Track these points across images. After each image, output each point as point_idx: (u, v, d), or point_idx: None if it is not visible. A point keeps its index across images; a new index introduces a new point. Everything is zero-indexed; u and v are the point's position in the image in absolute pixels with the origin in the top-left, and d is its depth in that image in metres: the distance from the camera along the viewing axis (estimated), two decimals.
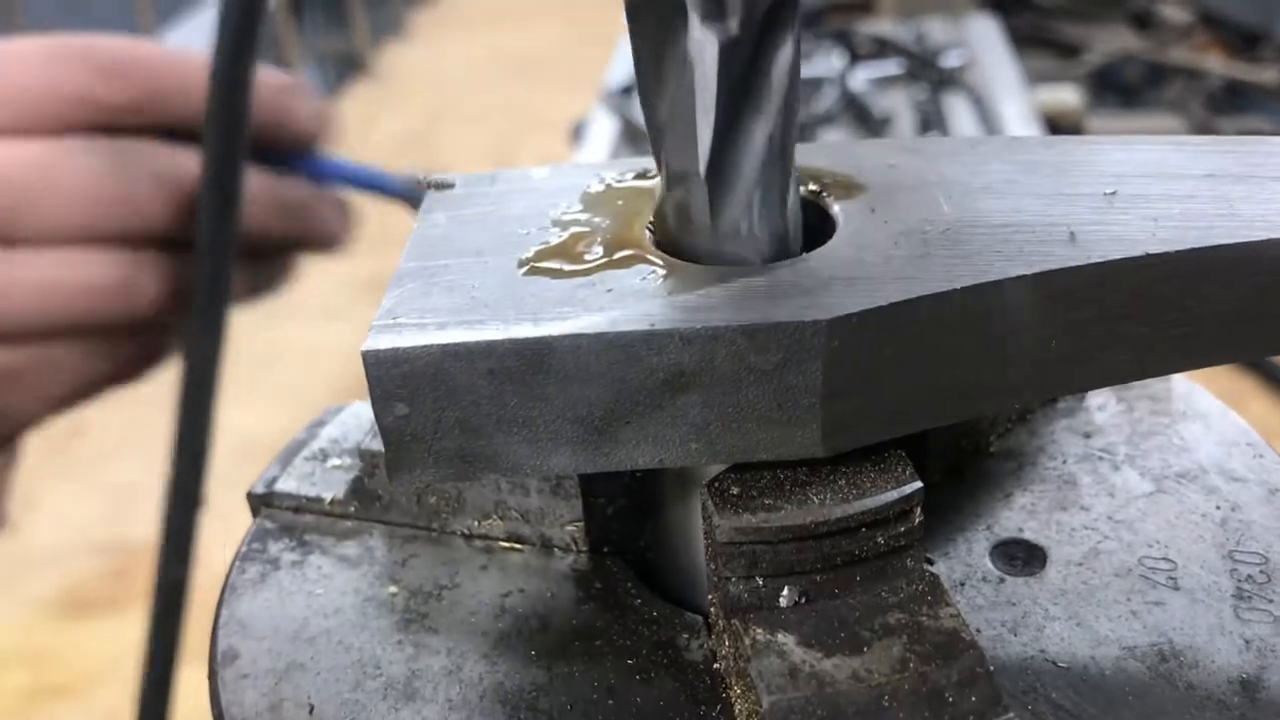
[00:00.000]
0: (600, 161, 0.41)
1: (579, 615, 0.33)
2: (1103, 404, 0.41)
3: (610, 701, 0.30)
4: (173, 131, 0.56)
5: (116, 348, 0.56)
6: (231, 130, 0.48)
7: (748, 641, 0.28)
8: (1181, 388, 0.41)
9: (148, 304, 0.55)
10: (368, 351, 0.29)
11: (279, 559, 0.37)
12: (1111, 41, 2.53)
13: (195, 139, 0.55)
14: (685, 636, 0.32)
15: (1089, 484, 0.37)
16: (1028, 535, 0.35)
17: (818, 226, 0.34)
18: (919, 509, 0.30)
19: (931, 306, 0.29)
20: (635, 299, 0.30)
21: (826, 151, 0.37)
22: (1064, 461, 0.38)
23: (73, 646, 2.05)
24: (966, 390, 0.31)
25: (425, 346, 0.29)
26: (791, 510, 0.29)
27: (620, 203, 0.35)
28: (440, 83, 4.59)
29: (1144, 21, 2.65)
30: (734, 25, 0.29)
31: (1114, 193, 0.33)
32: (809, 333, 0.28)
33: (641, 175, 0.37)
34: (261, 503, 0.39)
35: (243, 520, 0.39)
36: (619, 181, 0.37)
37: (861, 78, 1.57)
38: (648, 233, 0.34)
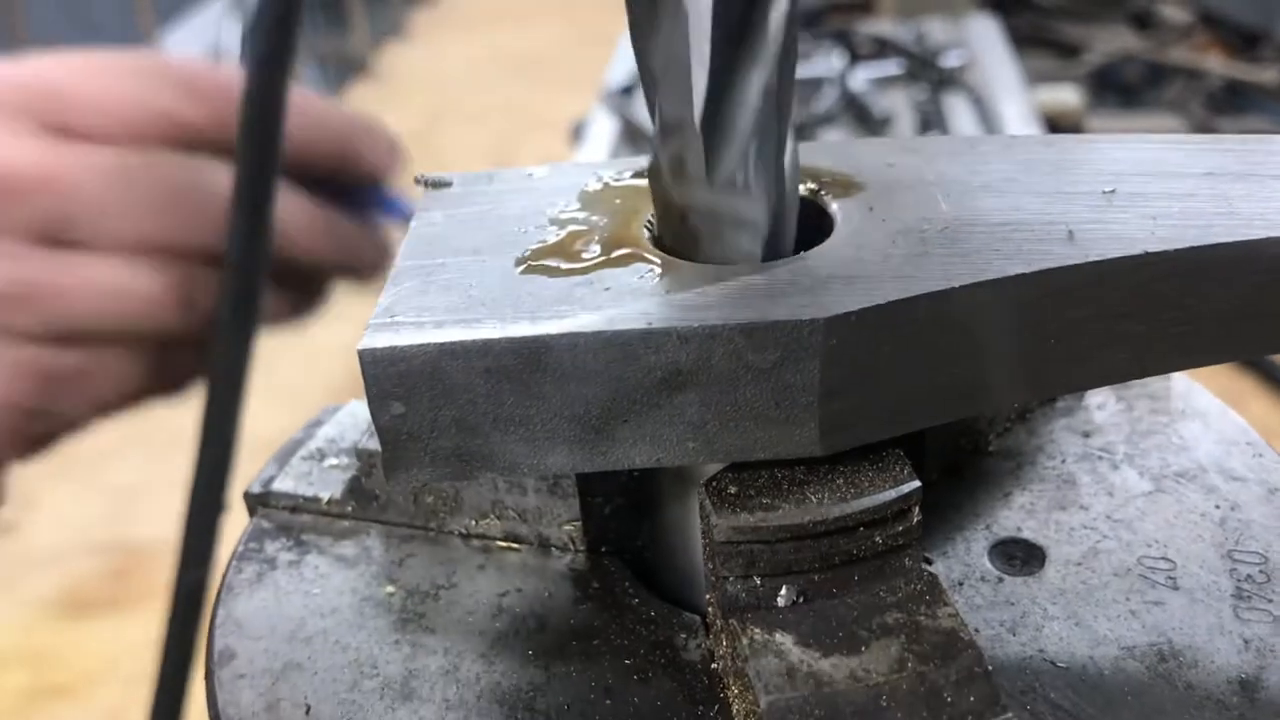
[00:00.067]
0: (598, 161, 0.40)
1: (576, 615, 0.33)
2: (1102, 403, 0.41)
3: (608, 701, 0.30)
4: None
5: (164, 359, 0.58)
6: (265, 139, 0.48)
7: (745, 641, 0.28)
8: (1181, 386, 0.41)
9: (200, 318, 0.56)
10: (364, 350, 0.29)
11: (276, 559, 0.36)
12: (1111, 41, 2.53)
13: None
14: (683, 636, 0.32)
15: (1088, 483, 0.37)
16: (1026, 535, 0.35)
17: (816, 225, 0.34)
18: (917, 508, 0.30)
19: (929, 305, 0.29)
20: (633, 297, 0.30)
21: (825, 151, 0.37)
22: (1063, 460, 0.38)
23: (73, 646, 2.04)
24: (965, 389, 0.31)
25: (422, 345, 0.29)
26: (789, 509, 0.29)
27: (618, 201, 0.35)
28: (440, 83, 4.59)
29: (1144, 21, 2.65)
30: None
31: (1113, 191, 0.33)
32: (806, 331, 0.28)
33: (639, 174, 0.37)
34: (258, 502, 0.39)
35: (240, 520, 0.39)
36: (617, 180, 0.37)
37: (861, 78, 1.57)
38: (645, 231, 0.34)
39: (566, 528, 0.35)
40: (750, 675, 0.27)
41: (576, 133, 1.69)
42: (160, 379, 0.58)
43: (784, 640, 0.28)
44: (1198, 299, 0.31)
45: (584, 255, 0.32)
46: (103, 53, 0.57)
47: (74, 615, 2.13)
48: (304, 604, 0.34)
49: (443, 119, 4.15)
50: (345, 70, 4.78)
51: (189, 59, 0.60)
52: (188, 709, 0.57)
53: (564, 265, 0.32)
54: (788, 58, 0.30)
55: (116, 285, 0.54)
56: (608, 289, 0.31)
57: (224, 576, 0.36)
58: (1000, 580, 0.33)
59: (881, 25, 1.94)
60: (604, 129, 1.59)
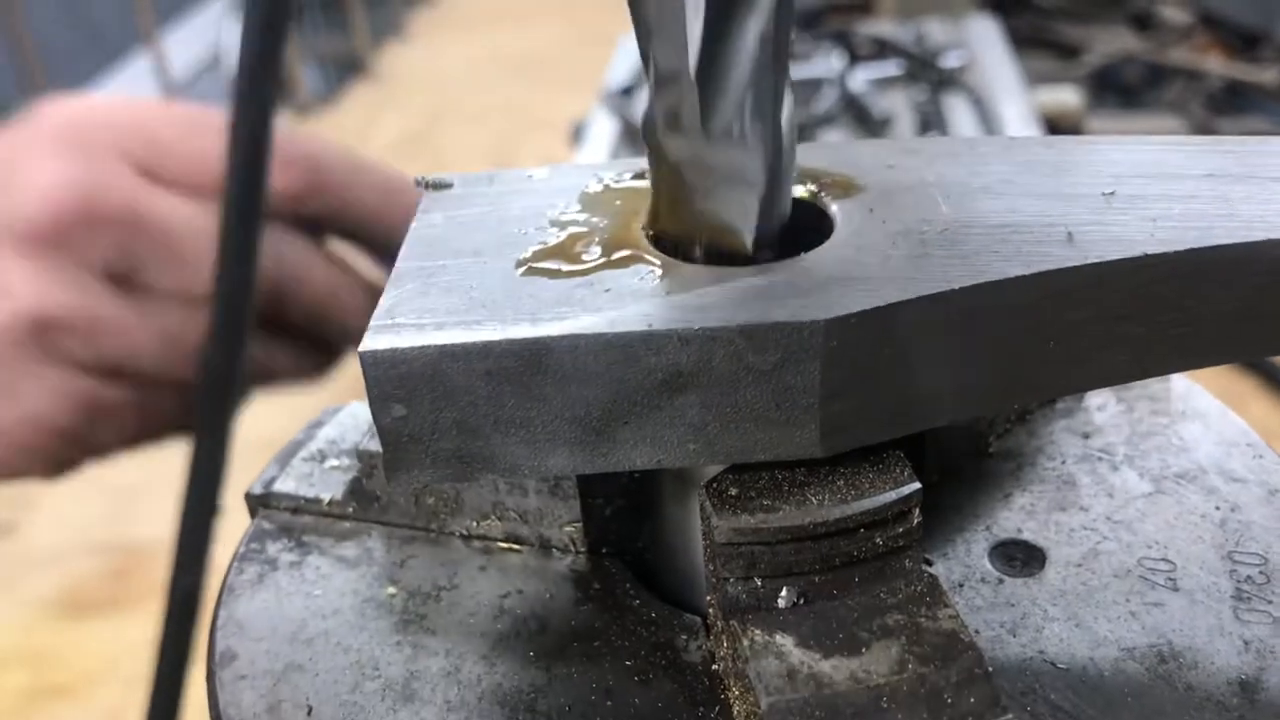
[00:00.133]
0: (599, 162, 0.40)
1: (577, 616, 0.33)
2: (1102, 404, 0.41)
3: (609, 703, 0.30)
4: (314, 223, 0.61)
5: (190, 403, 0.59)
6: (251, 177, 0.49)
7: (746, 642, 0.28)
8: (1181, 388, 0.41)
9: (245, 374, 0.58)
10: (365, 352, 0.29)
11: (277, 560, 0.37)
12: (1111, 42, 2.53)
13: (332, 231, 0.61)
14: (684, 637, 0.32)
15: (1088, 484, 0.37)
16: (1026, 536, 0.35)
17: (816, 227, 0.34)
18: (917, 510, 0.30)
19: (929, 307, 0.29)
20: (633, 299, 0.30)
21: (825, 152, 0.37)
22: (1063, 462, 0.38)
23: (73, 646, 2.04)
24: (966, 391, 0.31)
25: (423, 347, 0.29)
26: (790, 511, 0.29)
27: (618, 203, 0.35)
28: (440, 83, 4.59)
29: (1144, 22, 2.65)
30: None
31: (1112, 193, 0.33)
32: (807, 333, 0.28)
33: (640, 175, 0.37)
34: (259, 503, 0.39)
35: (241, 520, 0.39)
36: (617, 182, 0.37)
37: (861, 78, 1.57)
38: (646, 233, 0.34)
39: (567, 529, 0.35)
40: (751, 676, 0.27)
41: (576, 133, 1.69)
42: (186, 420, 0.60)
43: (785, 642, 0.28)
44: (1198, 301, 0.31)
45: (584, 257, 0.32)
46: (196, 108, 0.60)
47: (74, 615, 2.13)
48: (305, 605, 0.34)
49: (442, 119, 4.15)
50: (345, 71, 4.77)
51: (301, 134, 0.63)
52: (184, 712, 0.57)
53: (564, 267, 0.32)
54: (785, 6, 0.29)
55: (173, 332, 0.56)
56: (608, 291, 0.31)
57: (225, 577, 0.36)
58: (1000, 582, 0.33)
59: (881, 26, 1.94)
60: (604, 130, 1.59)
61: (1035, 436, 0.39)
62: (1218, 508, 0.36)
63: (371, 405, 0.30)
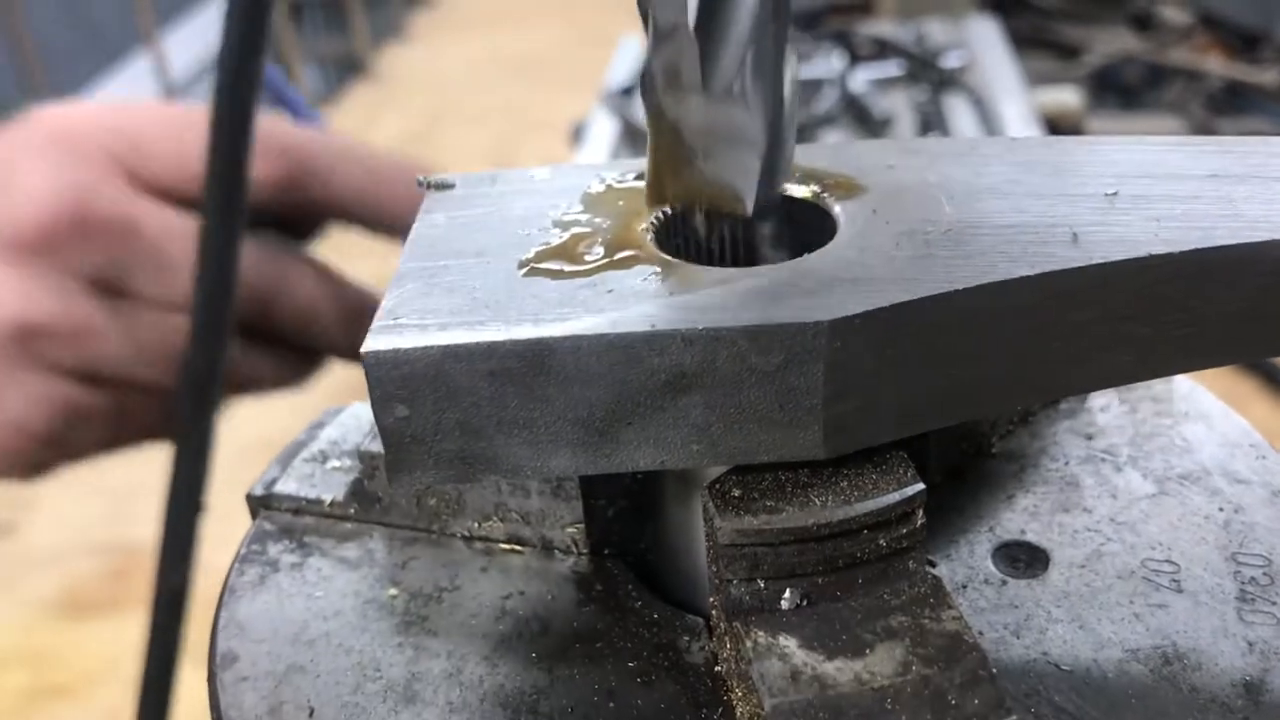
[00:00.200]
0: (601, 162, 0.40)
1: (580, 618, 0.33)
2: (1105, 405, 0.40)
3: (611, 704, 0.30)
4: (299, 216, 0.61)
5: (169, 408, 0.60)
6: (232, 170, 0.49)
7: (749, 644, 0.28)
8: (1184, 388, 0.41)
9: (227, 382, 0.58)
10: (368, 352, 0.29)
11: (278, 561, 0.36)
12: (1111, 43, 2.53)
13: (321, 216, 0.61)
14: (686, 639, 0.32)
15: (1091, 485, 0.37)
16: (1030, 537, 0.35)
17: (819, 227, 0.34)
18: (921, 511, 0.30)
19: (933, 308, 0.29)
20: (636, 300, 0.30)
21: (827, 152, 0.37)
22: (1066, 463, 0.38)
23: (73, 647, 2.04)
24: (969, 392, 0.31)
25: (426, 347, 0.29)
26: (793, 512, 0.29)
27: (621, 203, 0.35)
28: (440, 84, 4.59)
29: (1144, 23, 2.65)
30: None
31: (1116, 193, 0.33)
32: (810, 334, 0.28)
33: (642, 176, 0.37)
34: (261, 504, 0.39)
35: (242, 522, 0.39)
36: (620, 182, 0.37)
37: (861, 79, 1.57)
38: (649, 233, 0.34)
39: (569, 530, 0.35)
40: (754, 678, 0.27)
41: (577, 134, 1.69)
42: (163, 425, 0.60)
43: (788, 643, 0.28)
44: (1201, 301, 0.31)
45: (587, 257, 0.32)
46: (188, 108, 0.60)
47: (74, 615, 2.13)
48: (307, 606, 0.34)
49: (442, 120, 4.15)
50: (345, 72, 4.77)
51: (282, 125, 0.62)
52: (174, 711, 0.57)
53: (567, 267, 0.32)
54: None
55: (156, 339, 0.56)
56: (611, 291, 0.30)
57: (226, 579, 0.36)
58: (1004, 583, 0.33)
59: (881, 26, 1.94)
60: (604, 130, 1.59)
61: (1038, 437, 0.39)
62: (1221, 509, 0.35)
63: (374, 406, 0.30)
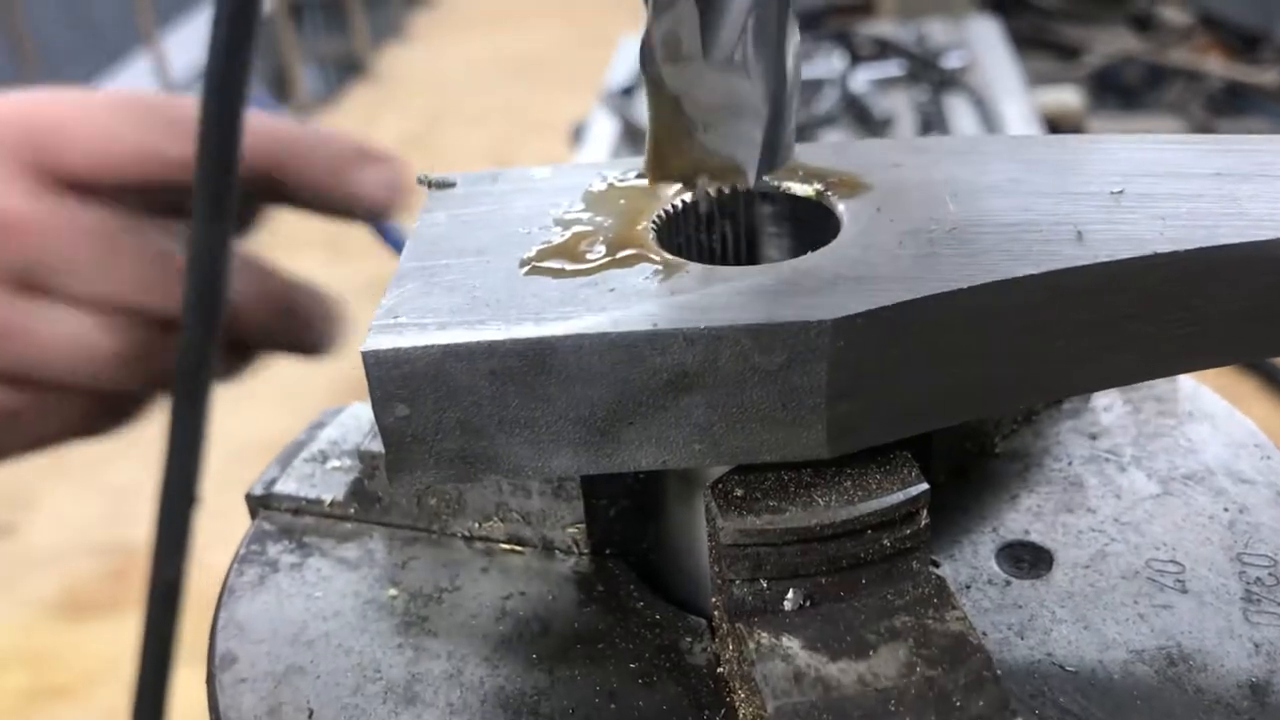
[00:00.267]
0: (602, 161, 0.40)
1: (581, 618, 0.33)
2: (1109, 405, 0.40)
3: (612, 705, 0.30)
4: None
5: (103, 406, 0.59)
6: (222, 164, 0.48)
7: (752, 645, 0.28)
8: (1188, 388, 0.41)
9: (143, 378, 0.57)
10: (368, 352, 0.29)
11: (278, 561, 0.36)
12: (1112, 43, 2.53)
13: (272, 202, 0.59)
14: (688, 640, 0.32)
15: (1095, 485, 0.37)
16: (1034, 537, 0.35)
17: (823, 225, 0.34)
18: (925, 511, 0.29)
19: (937, 306, 0.29)
20: (638, 299, 0.30)
21: (831, 151, 0.37)
22: (1070, 463, 0.38)
23: (72, 647, 2.04)
24: (972, 391, 0.31)
25: (426, 347, 0.29)
26: (796, 512, 0.29)
27: (623, 202, 0.35)
28: (440, 84, 4.59)
29: (1144, 23, 2.65)
30: None
31: (1121, 192, 0.33)
32: (814, 333, 0.28)
33: (644, 174, 0.36)
34: (260, 504, 0.39)
35: (242, 522, 0.39)
36: (621, 181, 0.36)
37: (862, 79, 1.57)
38: (651, 232, 0.33)
39: (571, 530, 0.35)
40: (757, 679, 0.27)
41: (577, 134, 1.69)
42: (95, 425, 0.60)
43: (791, 644, 0.28)
44: (1206, 300, 0.31)
45: (589, 256, 0.32)
46: (98, 91, 0.58)
47: (74, 616, 2.13)
48: (306, 607, 0.34)
49: (442, 120, 4.15)
50: (345, 72, 4.78)
51: (188, 100, 0.60)
52: (169, 709, 0.57)
53: (569, 266, 0.32)
54: None
55: (78, 338, 0.55)
56: (613, 290, 0.30)
57: (226, 579, 0.36)
58: (1008, 583, 0.33)
59: (882, 26, 1.94)
60: (604, 130, 1.59)
61: (1042, 437, 0.39)
62: (1226, 509, 0.35)
63: (374, 405, 0.30)
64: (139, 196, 0.56)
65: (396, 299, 0.31)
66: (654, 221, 0.34)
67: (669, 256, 0.32)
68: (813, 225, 0.34)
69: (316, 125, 0.62)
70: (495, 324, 0.29)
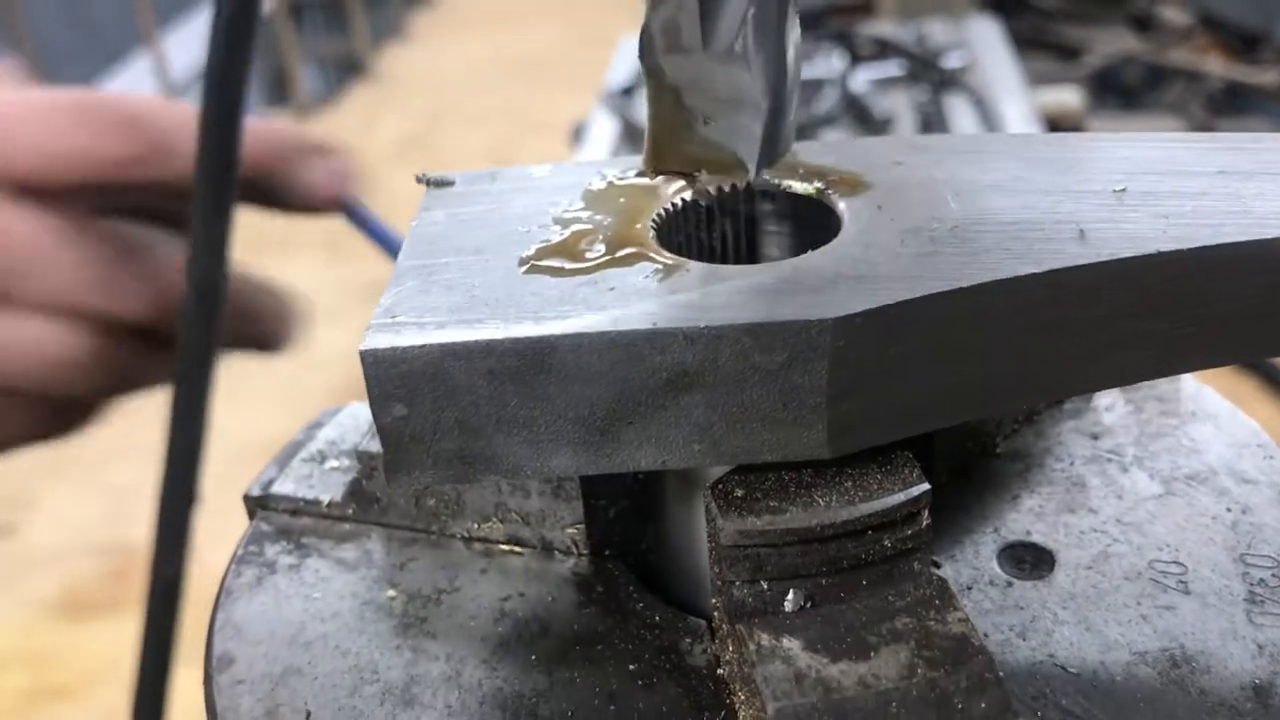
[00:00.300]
0: (602, 159, 0.40)
1: (580, 619, 0.33)
2: (1110, 405, 0.40)
3: (612, 707, 0.30)
4: (170, 193, 0.57)
5: (60, 412, 0.58)
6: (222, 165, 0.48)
7: (752, 646, 0.28)
8: (1190, 388, 0.40)
9: (96, 387, 0.56)
10: (366, 351, 0.29)
11: (275, 562, 0.36)
12: (1112, 43, 2.53)
13: (187, 199, 0.56)
14: (688, 641, 0.32)
15: (1097, 486, 0.36)
16: (1036, 538, 0.34)
17: (823, 224, 0.33)
18: (926, 511, 0.29)
19: (939, 305, 0.29)
20: (638, 297, 0.29)
21: (832, 149, 0.37)
22: (1071, 463, 0.38)
23: (72, 647, 2.04)
24: (974, 390, 0.31)
25: (424, 346, 0.29)
26: (797, 513, 0.29)
27: (622, 200, 0.35)
28: (440, 85, 4.59)
29: (1144, 24, 2.65)
30: None
31: (1124, 190, 0.33)
32: (814, 331, 0.28)
33: (644, 173, 0.36)
34: (258, 505, 0.39)
35: (241, 521, 0.39)
36: (621, 179, 0.36)
37: (862, 79, 1.57)
38: (651, 230, 0.33)
39: (570, 531, 0.35)
40: (757, 681, 0.27)
41: (577, 134, 1.68)
42: (50, 429, 0.59)
43: (791, 645, 0.27)
44: (1210, 299, 0.31)
45: (588, 255, 0.32)
46: (46, 92, 0.57)
47: (73, 616, 2.13)
48: (304, 608, 0.34)
49: (442, 120, 4.15)
50: (345, 72, 4.77)
51: (137, 97, 0.58)
52: (169, 709, 0.57)
53: (568, 265, 0.32)
54: None
55: (33, 345, 0.54)
56: (612, 289, 0.30)
57: (223, 580, 0.36)
58: (1009, 584, 0.33)
59: (882, 26, 1.94)
60: (604, 130, 1.59)
61: (1043, 437, 0.39)
62: (1229, 509, 0.35)
63: (372, 405, 0.29)
64: (90, 198, 0.55)
65: (395, 298, 0.31)
66: (654, 220, 0.34)
67: (669, 255, 0.32)
68: (813, 223, 0.34)
69: (259, 120, 0.61)
70: (494, 323, 0.29)
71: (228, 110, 0.47)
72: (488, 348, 0.28)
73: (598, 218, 0.34)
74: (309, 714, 0.30)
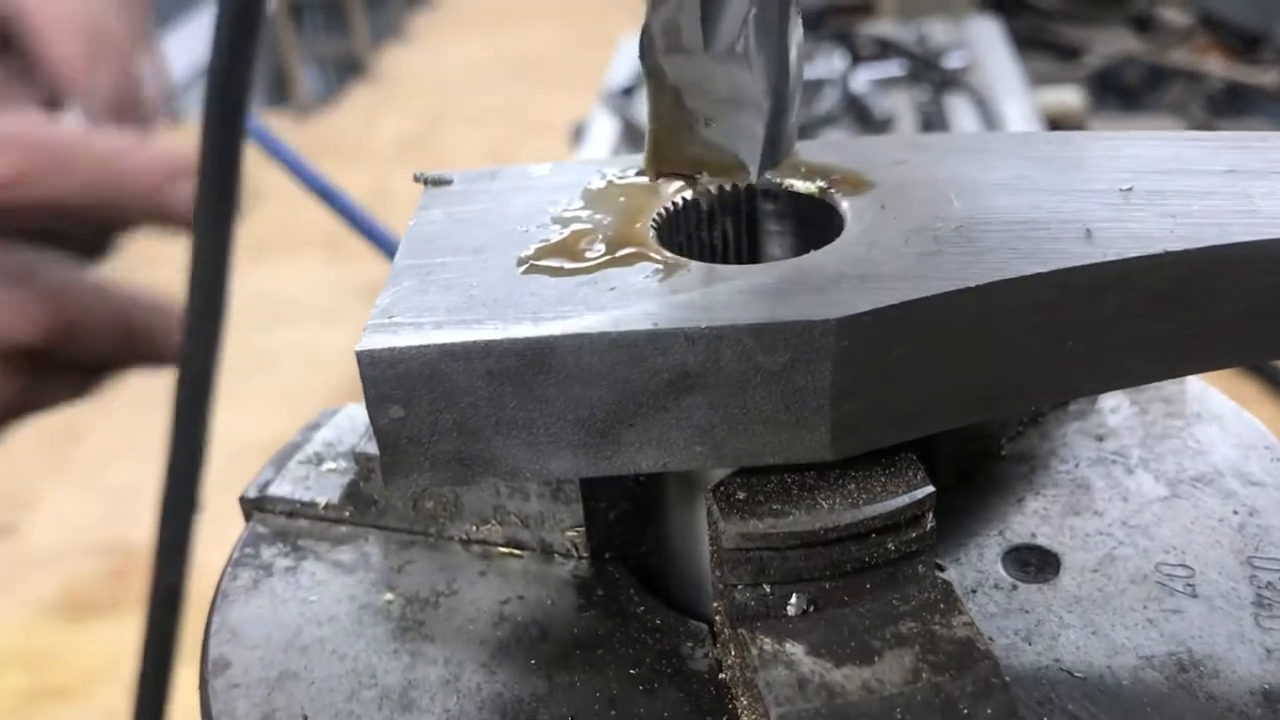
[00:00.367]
0: (602, 158, 0.40)
1: (580, 623, 0.33)
2: (1115, 406, 0.40)
3: (612, 712, 0.30)
4: (56, 214, 0.56)
5: None
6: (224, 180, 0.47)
7: (755, 651, 0.27)
8: (1196, 389, 0.40)
9: (5, 412, 0.56)
10: (362, 351, 0.28)
11: (272, 565, 0.36)
12: (1112, 44, 2.53)
13: (75, 219, 0.56)
14: (690, 645, 0.32)
15: (1102, 488, 0.36)
16: (1041, 541, 0.34)
17: (826, 223, 0.33)
18: (931, 514, 0.29)
19: (943, 305, 0.28)
20: (638, 298, 0.29)
21: (834, 148, 0.36)
22: (1076, 465, 0.37)
23: (72, 648, 2.04)
24: (979, 391, 0.30)
25: (422, 346, 0.28)
26: (800, 515, 0.28)
27: (622, 199, 0.35)
28: (440, 85, 4.59)
29: (1144, 24, 2.65)
30: None
31: (1130, 189, 0.32)
32: (818, 332, 0.27)
33: (644, 172, 0.36)
34: (254, 507, 0.38)
35: (236, 524, 0.38)
36: (621, 178, 0.36)
37: (863, 79, 1.57)
38: (651, 230, 0.33)
39: (570, 533, 0.35)
40: (760, 686, 0.26)
41: (577, 134, 1.68)
42: None
43: (795, 650, 0.27)
44: (1217, 300, 0.30)
45: (588, 254, 0.32)
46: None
47: (73, 616, 2.12)
48: (301, 611, 0.34)
49: (442, 120, 4.15)
50: (345, 72, 4.77)
51: (18, 116, 0.57)
52: (170, 711, 0.57)
53: (567, 265, 0.31)
54: None
55: None
56: (613, 289, 0.30)
57: (219, 583, 0.35)
58: (1014, 587, 0.33)
59: (883, 26, 1.93)
60: (604, 130, 1.58)
61: (1048, 439, 0.39)
62: (1236, 511, 0.35)
63: (369, 406, 0.29)
64: None
65: (392, 298, 0.30)
66: (654, 219, 0.33)
67: (669, 255, 0.31)
68: (816, 223, 0.34)
69: (107, 137, 0.58)
70: (492, 323, 0.29)
71: (230, 112, 0.46)
72: (486, 348, 0.28)
73: (598, 217, 0.34)
74: (305, 719, 0.30)
